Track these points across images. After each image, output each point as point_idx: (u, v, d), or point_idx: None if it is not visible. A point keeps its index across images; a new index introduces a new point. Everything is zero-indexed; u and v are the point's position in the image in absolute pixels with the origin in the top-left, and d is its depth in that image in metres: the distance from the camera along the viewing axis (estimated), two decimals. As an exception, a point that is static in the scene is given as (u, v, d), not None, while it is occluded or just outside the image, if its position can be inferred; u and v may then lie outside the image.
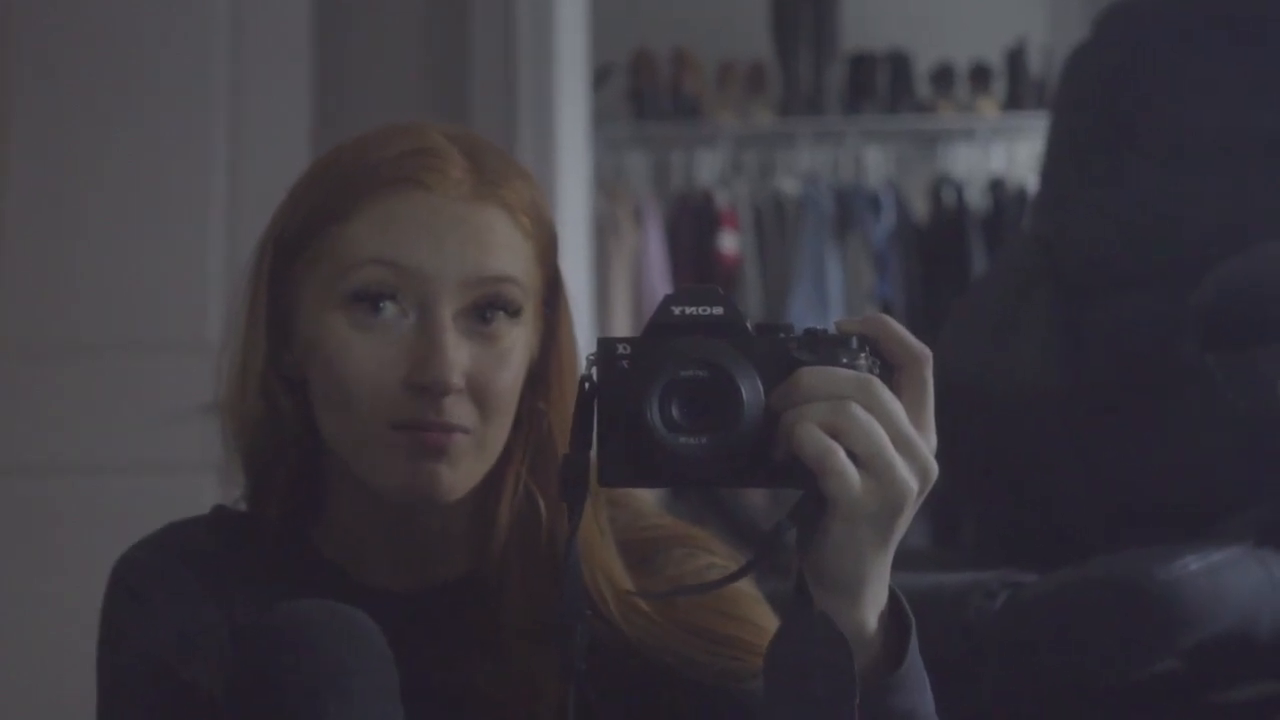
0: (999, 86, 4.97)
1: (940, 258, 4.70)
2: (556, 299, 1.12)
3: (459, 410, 1.03)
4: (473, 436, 1.04)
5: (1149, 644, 1.62)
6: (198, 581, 1.09)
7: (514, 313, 1.06)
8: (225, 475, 1.13)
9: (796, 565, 0.90)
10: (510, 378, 1.05)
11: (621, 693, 1.04)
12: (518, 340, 1.07)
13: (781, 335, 0.90)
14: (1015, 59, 4.94)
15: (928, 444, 0.90)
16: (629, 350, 0.91)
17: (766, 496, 1.87)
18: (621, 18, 4.65)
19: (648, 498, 1.17)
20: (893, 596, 0.93)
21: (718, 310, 0.90)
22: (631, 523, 1.12)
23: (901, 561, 0.92)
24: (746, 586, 1.07)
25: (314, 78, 2.96)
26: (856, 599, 0.90)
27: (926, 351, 0.91)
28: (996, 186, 4.77)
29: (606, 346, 0.91)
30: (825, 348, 0.90)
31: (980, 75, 4.97)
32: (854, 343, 0.90)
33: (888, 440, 0.87)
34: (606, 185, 4.67)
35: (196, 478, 2.22)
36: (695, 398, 0.88)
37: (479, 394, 1.04)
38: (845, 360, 0.89)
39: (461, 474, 1.04)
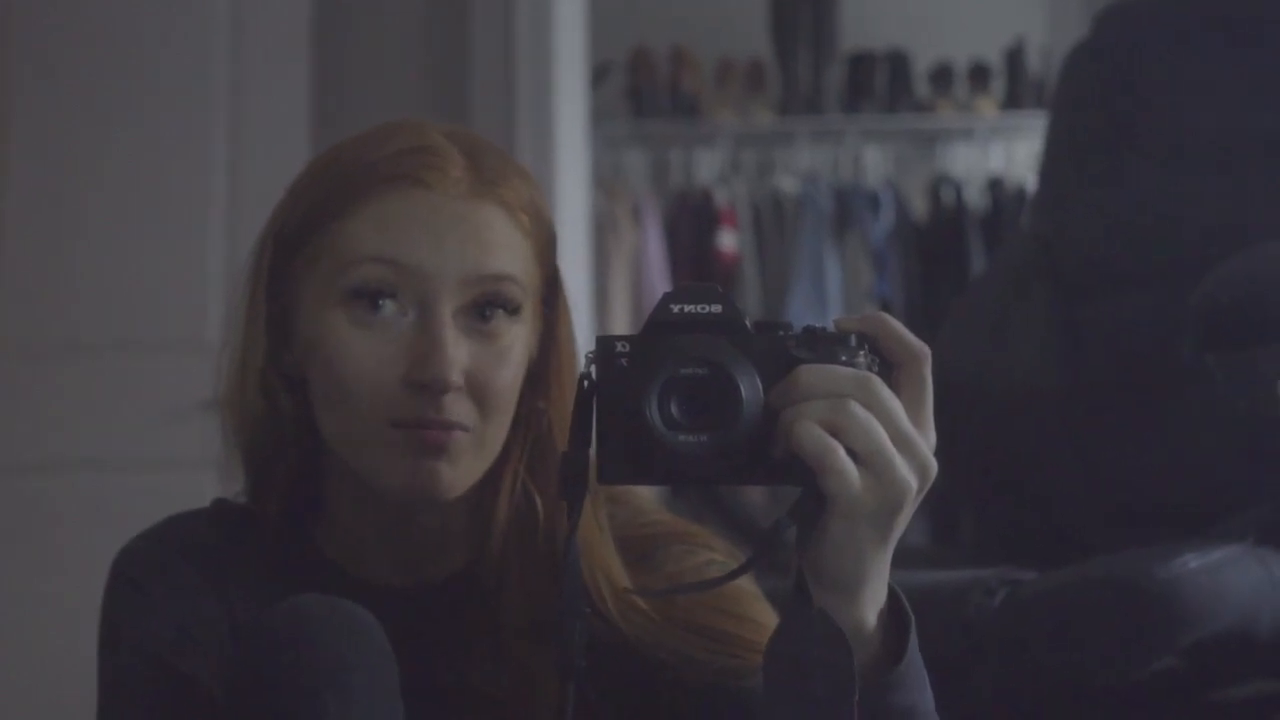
0: (998, 86, 4.97)
1: (939, 257, 4.70)
2: (555, 297, 1.12)
3: (458, 408, 1.03)
4: (472, 434, 1.04)
5: (1149, 642, 1.62)
6: (198, 575, 1.09)
7: (513, 311, 1.06)
8: (225, 472, 1.13)
9: (796, 563, 0.90)
10: (509, 376, 1.06)
11: (620, 690, 1.05)
12: (517, 338, 1.07)
13: (780, 333, 0.91)
14: (1014, 58, 4.94)
15: (927, 442, 0.90)
16: (628, 348, 0.91)
17: (766, 494, 1.87)
18: (620, 15, 4.64)
19: (647, 495, 1.18)
20: (892, 594, 0.93)
21: (717, 308, 0.90)
22: (631, 519, 1.12)
23: (900, 559, 0.92)
24: (746, 583, 1.07)
25: (313, 77, 2.96)
26: (856, 596, 0.90)
27: (925, 349, 0.91)
28: (995, 186, 4.77)
29: (605, 344, 0.91)
30: (824, 346, 0.90)
31: (979, 75, 4.97)
32: (853, 341, 0.90)
33: (887, 438, 0.87)
34: (605, 183, 4.66)
35: (196, 475, 2.20)
36: (694, 396, 0.88)
37: (478, 392, 1.04)
38: (844, 358, 0.89)
39: (461, 472, 1.04)
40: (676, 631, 1.06)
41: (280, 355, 1.09)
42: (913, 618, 0.93)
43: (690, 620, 1.06)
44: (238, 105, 2.94)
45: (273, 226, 1.10)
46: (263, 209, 1.13)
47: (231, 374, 1.10)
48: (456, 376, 1.02)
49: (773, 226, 4.78)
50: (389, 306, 1.04)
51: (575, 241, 3.18)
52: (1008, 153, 4.85)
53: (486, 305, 1.05)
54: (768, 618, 1.06)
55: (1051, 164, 2.39)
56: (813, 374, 0.88)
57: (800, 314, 4.50)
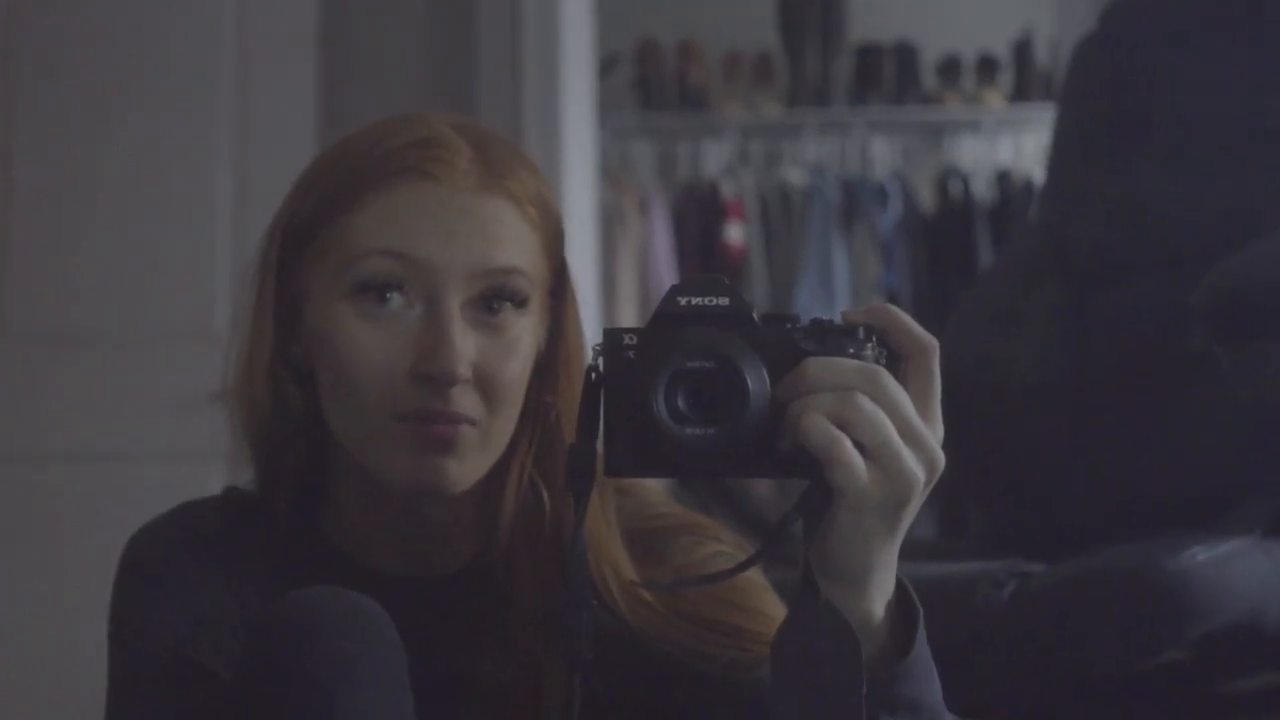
0: (1005, 78, 4.97)
1: (946, 248, 4.70)
2: (563, 290, 1.12)
3: (465, 401, 1.03)
4: (479, 428, 1.04)
5: (1156, 634, 1.62)
6: (209, 565, 1.09)
7: (520, 304, 1.06)
8: (233, 463, 1.13)
9: (803, 555, 0.90)
10: (517, 368, 1.05)
11: (627, 683, 1.05)
12: (524, 331, 1.06)
13: (788, 326, 0.90)
14: (1022, 50, 4.93)
15: (934, 434, 0.89)
16: (635, 341, 0.91)
17: (773, 487, 1.87)
18: (627, 7, 4.64)
19: (655, 487, 1.17)
20: (900, 586, 0.93)
21: (724, 301, 0.90)
22: (638, 511, 1.12)
23: (908, 552, 0.92)
24: (754, 575, 1.06)
25: (319, 68, 2.96)
26: (863, 589, 0.90)
27: (933, 341, 0.91)
28: (1003, 178, 4.77)
29: (612, 337, 0.91)
30: (831, 338, 0.90)
31: (987, 67, 4.97)
32: (860, 333, 0.90)
33: (894, 431, 0.87)
34: (612, 175, 4.66)
35: (204, 466, 2.22)
36: (701, 388, 0.88)
37: (486, 385, 1.04)
38: (851, 351, 0.89)
39: (468, 467, 1.04)
40: (684, 624, 1.06)
41: (288, 348, 1.09)
42: (921, 610, 0.93)
43: (698, 613, 1.06)
44: (245, 96, 2.94)
45: (280, 219, 1.10)
46: (270, 201, 1.13)
47: (239, 367, 1.10)
48: (464, 369, 1.02)
49: (780, 218, 4.78)
50: (396, 299, 1.03)
51: (582, 233, 3.18)
52: (1015, 145, 4.85)
53: (494, 298, 1.05)
54: (776, 609, 1.06)
55: (1060, 156, 2.38)
56: (820, 366, 0.88)
57: (807, 306, 4.50)
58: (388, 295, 1.03)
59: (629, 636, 1.05)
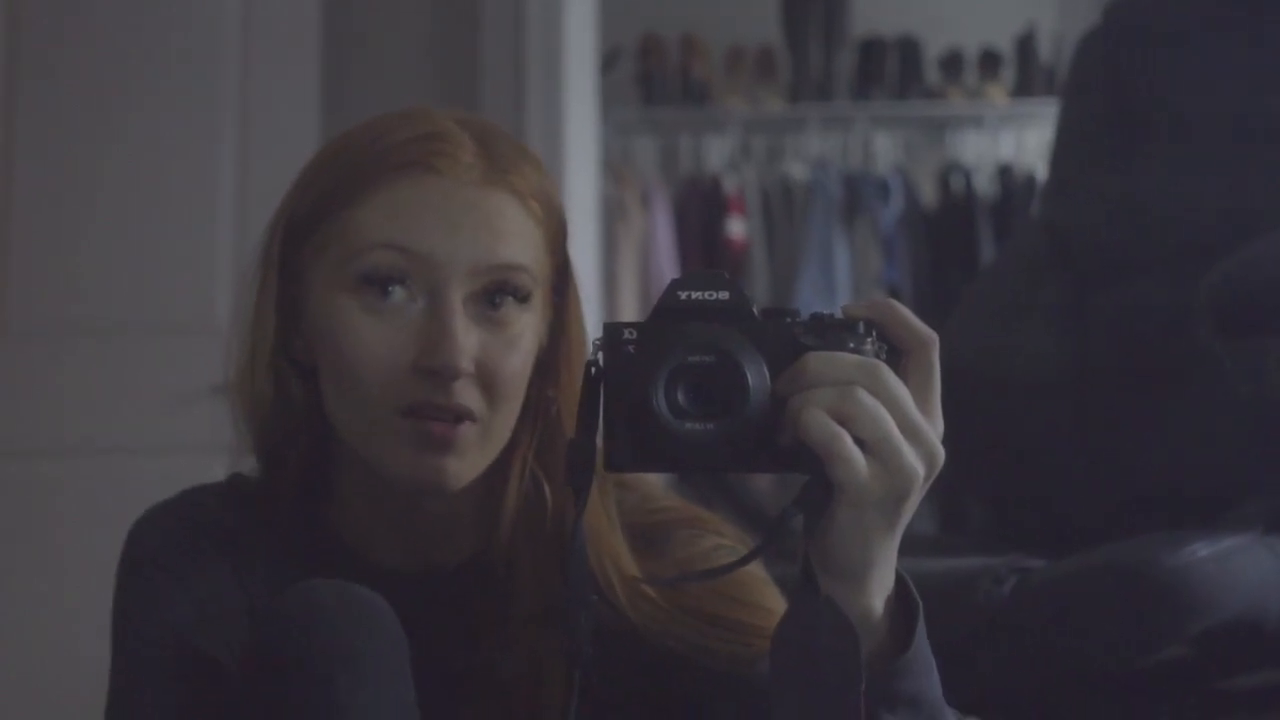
0: (1008, 73, 4.96)
1: (948, 244, 4.70)
2: (566, 286, 1.12)
3: (467, 395, 1.03)
4: (479, 425, 1.04)
5: (1157, 630, 1.62)
6: (215, 554, 1.09)
7: (523, 299, 1.06)
8: (235, 456, 1.13)
9: (803, 551, 0.90)
10: (519, 363, 1.05)
11: (628, 678, 1.05)
12: (526, 326, 1.06)
13: (788, 320, 0.90)
14: (1025, 45, 4.93)
15: (935, 429, 0.89)
16: (635, 335, 0.91)
17: (773, 482, 1.87)
18: (630, 2, 4.64)
19: (656, 481, 1.18)
20: (900, 581, 0.93)
21: (724, 295, 0.90)
22: (639, 505, 1.12)
23: (908, 547, 0.92)
24: (755, 569, 1.06)
25: (323, 62, 2.96)
26: (863, 584, 0.90)
27: (933, 336, 0.91)
28: (1005, 173, 4.77)
29: (613, 331, 0.91)
30: (832, 333, 0.90)
31: (989, 62, 4.97)
32: (861, 328, 0.90)
33: (894, 425, 0.87)
34: (614, 169, 4.66)
35: (206, 460, 2.20)
36: (701, 383, 0.88)
37: (487, 379, 1.04)
38: (852, 345, 0.89)
39: (467, 465, 1.04)
40: (685, 619, 1.06)
41: (290, 342, 1.09)
42: (921, 605, 0.93)
43: (699, 607, 1.06)
44: (247, 92, 2.94)
45: (283, 213, 1.10)
46: (272, 194, 1.13)
47: (241, 360, 1.10)
48: (466, 363, 1.02)
49: (782, 213, 4.78)
50: (399, 293, 1.03)
51: (584, 227, 3.18)
52: (1018, 140, 4.85)
53: (497, 293, 1.05)
54: (777, 603, 1.06)
55: (1063, 151, 2.38)
56: (820, 361, 0.88)
57: (809, 301, 4.50)
58: (390, 289, 1.03)
59: (630, 631, 1.05)
